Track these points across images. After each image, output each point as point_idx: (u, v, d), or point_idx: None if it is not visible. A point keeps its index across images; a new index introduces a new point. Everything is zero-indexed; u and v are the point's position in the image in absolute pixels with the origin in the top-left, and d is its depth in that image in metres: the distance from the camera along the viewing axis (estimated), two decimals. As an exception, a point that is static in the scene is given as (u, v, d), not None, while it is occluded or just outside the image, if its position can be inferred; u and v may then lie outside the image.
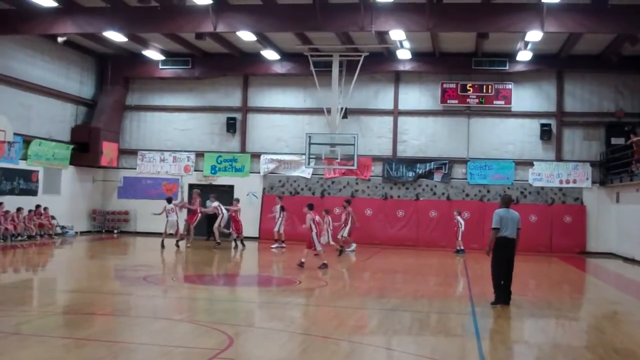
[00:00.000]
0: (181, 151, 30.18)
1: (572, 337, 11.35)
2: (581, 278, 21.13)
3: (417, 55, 27.39)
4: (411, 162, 28.60)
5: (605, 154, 27.32)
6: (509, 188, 27.78)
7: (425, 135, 28.84)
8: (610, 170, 26.78)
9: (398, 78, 28.99)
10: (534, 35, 22.05)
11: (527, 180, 27.91)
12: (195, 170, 30.00)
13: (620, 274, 21.62)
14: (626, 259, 24.79)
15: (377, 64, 27.60)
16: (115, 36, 24.30)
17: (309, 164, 25.82)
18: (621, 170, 25.54)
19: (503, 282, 13.09)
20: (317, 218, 19.10)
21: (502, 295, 13.06)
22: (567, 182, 27.62)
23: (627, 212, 25.53)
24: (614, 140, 27.15)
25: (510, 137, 28.27)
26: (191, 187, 29.34)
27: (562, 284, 18.90)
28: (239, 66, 29.04)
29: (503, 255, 13.05)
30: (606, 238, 26.98)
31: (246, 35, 23.80)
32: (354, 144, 24.72)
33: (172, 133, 30.45)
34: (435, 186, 28.50)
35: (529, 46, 24.76)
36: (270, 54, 27.17)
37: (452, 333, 10.87)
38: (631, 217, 24.66)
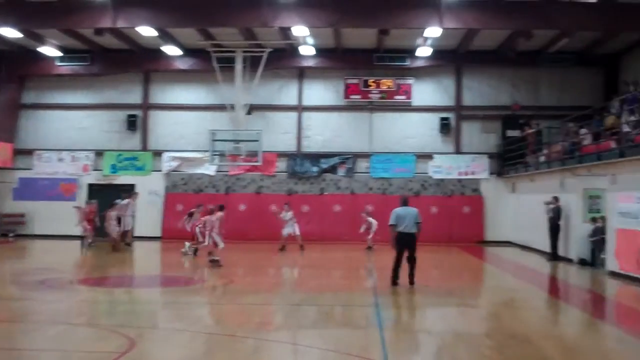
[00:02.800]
0: (80, 150, 29.31)
1: (472, 324, 11.68)
2: (480, 266, 21.79)
3: (320, 51, 27.55)
4: (315, 157, 28.79)
5: (502, 146, 28.26)
6: (410, 181, 28.38)
7: (329, 131, 29.08)
8: (507, 161, 27.72)
9: (302, 74, 29.10)
10: (433, 31, 22.56)
11: (428, 173, 28.56)
12: (94, 170, 29.18)
13: (517, 261, 22.38)
14: (522, 247, 25.73)
15: (281, 59, 27.58)
16: (10, 32, 23.36)
17: (212, 161, 25.59)
18: (517, 161, 26.49)
19: (409, 267, 14.80)
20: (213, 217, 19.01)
21: (396, 279, 14.89)
22: (466, 173, 28.44)
23: (522, 201, 26.49)
24: (510, 133, 28.11)
25: (411, 131, 28.85)
26: (91, 187, 28.69)
27: (462, 273, 19.44)
28: (140, 62, 28.43)
29: (402, 248, 14.82)
30: (503, 227, 27.92)
31: (146, 31, 23.32)
32: (258, 140, 24.65)
33: (70, 132, 29.50)
34: (340, 180, 28.79)
35: (429, 42, 25.27)
36: (171, 50, 26.72)
37: (356, 325, 11.02)
38: (526, 206, 25.60)
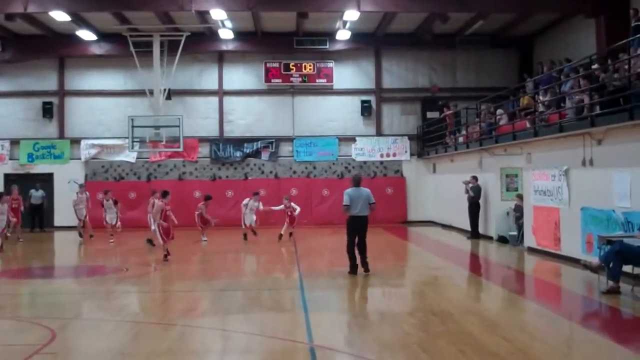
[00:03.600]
0: (-6, 139, 28.41)
1: (396, 303, 11.91)
2: (404, 246, 22.13)
3: (239, 35, 27.35)
4: (238, 142, 28.67)
5: (422, 127, 28.72)
6: (333, 164, 28.63)
7: (251, 115, 28.97)
8: (427, 142, 28.23)
9: (222, 58, 28.86)
10: (351, 14, 22.66)
11: (351, 156, 28.84)
12: (10, 159, 28.31)
13: (439, 240, 22.84)
14: (444, 226, 26.28)
15: (200, 43, 27.28)
16: None
17: (132, 147, 25.15)
18: (436, 142, 26.99)
19: (359, 255, 14.12)
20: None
21: (355, 266, 14.13)
22: (388, 155, 28.87)
23: (442, 181, 27.03)
24: (429, 114, 28.65)
25: (333, 114, 29.03)
26: (7, 176, 27.81)
27: (386, 253, 19.66)
28: (54, 48, 27.54)
29: (353, 232, 14.12)
30: (425, 207, 28.49)
31: (59, 16, 22.60)
32: (179, 126, 24.36)
33: (-17, 120, 28.55)
34: (263, 165, 28.78)
35: (348, 25, 25.36)
36: (86, 35, 26.00)
37: (282, 308, 11.08)
38: (446, 186, 26.13)
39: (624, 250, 11.58)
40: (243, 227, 22.32)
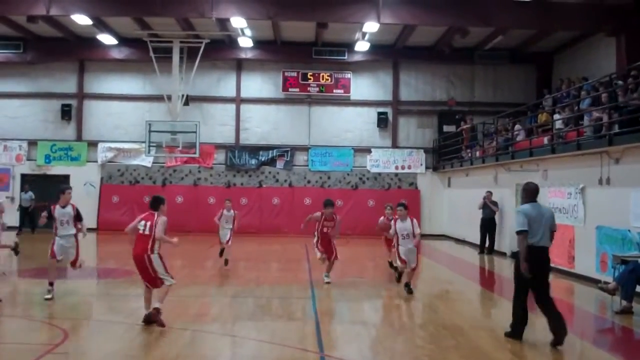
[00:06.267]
0: (12, 139, 28.60)
1: (407, 316, 11.88)
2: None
3: (258, 43, 27.48)
4: (254, 150, 28.75)
5: (438, 140, 28.68)
6: (348, 174, 28.63)
7: (267, 123, 29.05)
8: (443, 156, 28.17)
9: (240, 66, 28.98)
10: (371, 26, 22.73)
11: (365, 167, 28.83)
12: (28, 160, 28.56)
13: (452, 254, 22.78)
14: (457, 240, 26.18)
15: (219, 51, 27.45)
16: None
17: (149, 152, 25.28)
18: (452, 156, 26.94)
19: (548, 314, 9.26)
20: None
21: (523, 324, 9.49)
22: (403, 167, 28.84)
23: (457, 195, 26.95)
24: (445, 128, 28.62)
25: (349, 125, 29.06)
26: (24, 177, 28.05)
27: (398, 266, 19.62)
28: (74, 51, 27.84)
29: (531, 273, 9.22)
30: (439, 220, 28.39)
31: (81, 19, 22.84)
32: (195, 132, 24.50)
33: (3, 120, 28.75)
34: (278, 173, 28.84)
35: (367, 37, 25.48)
36: (107, 39, 26.23)
37: (293, 317, 11.06)
38: (461, 200, 26.05)
39: (638, 270, 11.50)
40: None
